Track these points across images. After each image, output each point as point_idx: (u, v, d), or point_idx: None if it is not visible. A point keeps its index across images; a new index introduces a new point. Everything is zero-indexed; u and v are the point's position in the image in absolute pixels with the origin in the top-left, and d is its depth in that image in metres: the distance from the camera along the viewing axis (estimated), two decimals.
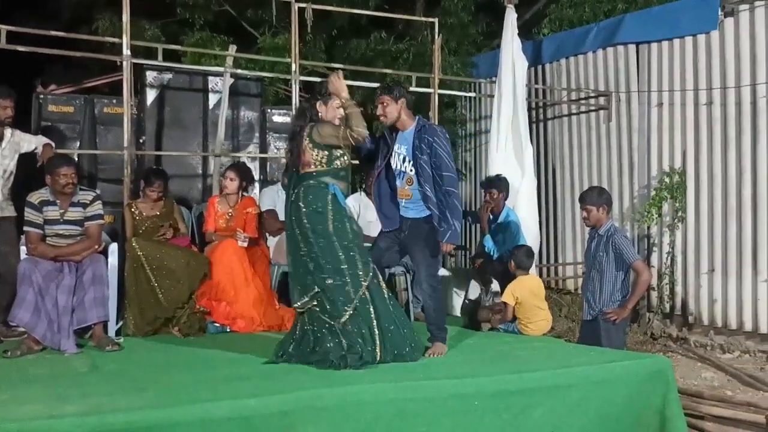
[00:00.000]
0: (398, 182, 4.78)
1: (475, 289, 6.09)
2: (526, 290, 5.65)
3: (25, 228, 5.00)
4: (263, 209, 6.34)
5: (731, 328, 7.77)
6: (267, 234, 6.37)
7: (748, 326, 7.62)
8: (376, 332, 4.30)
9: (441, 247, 4.64)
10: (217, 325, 5.59)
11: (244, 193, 6.18)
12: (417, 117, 4.78)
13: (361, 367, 4.15)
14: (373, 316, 4.32)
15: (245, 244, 5.78)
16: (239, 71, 7.80)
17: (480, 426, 3.86)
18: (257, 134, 7.86)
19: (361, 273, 4.34)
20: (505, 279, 5.99)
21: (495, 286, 6.11)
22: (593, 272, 5.33)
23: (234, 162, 6.53)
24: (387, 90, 4.73)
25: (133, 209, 5.93)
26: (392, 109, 4.68)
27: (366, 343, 4.26)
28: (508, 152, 7.52)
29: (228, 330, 5.59)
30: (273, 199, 6.47)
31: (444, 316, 4.89)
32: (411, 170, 4.69)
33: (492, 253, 6.43)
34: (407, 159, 4.70)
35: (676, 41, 8.38)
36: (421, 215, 4.70)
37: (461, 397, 3.88)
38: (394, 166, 4.76)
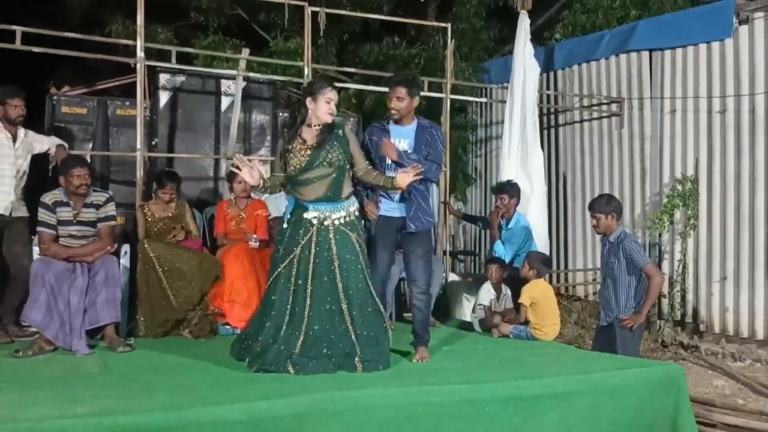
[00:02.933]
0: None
1: (486, 295, 6.07)
2: (541, 293, 5.66)
3: (38, 228, 5.02)
4: (269, 216, 6.32)
5: (743, 337, 7.71)
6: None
7: (760, 335, 7.56)
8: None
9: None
10: (228, 327, 5.59)
11: (253, 196, 6.20)
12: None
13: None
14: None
15: (256, 245, 5.80)
16: (251, 74, 7.81)
17: (491, 431, 3.85)
18: (269, 137, 7.86)
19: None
20: (515, 285, 5.98)
21: (507, 291, 6.09)
22: (608, 279, 5.34)
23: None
24: (406, 83, 4.73)
25: (145, 211, 5.94)
26: (406, 105, 4.70)
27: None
28: (519, 158, 7.51)
29: (239, 332, 5.58)
30: (276, 205, 6.44)
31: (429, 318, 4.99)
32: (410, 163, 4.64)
33: (503, 259, 6.40)
34: (407, 152, 4.71)
35: (690, 48, 8.33)
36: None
37: (472, 402, 3.87)
38: (388, 160, 4.69)
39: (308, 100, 4.41)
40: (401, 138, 4.74)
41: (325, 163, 4.37)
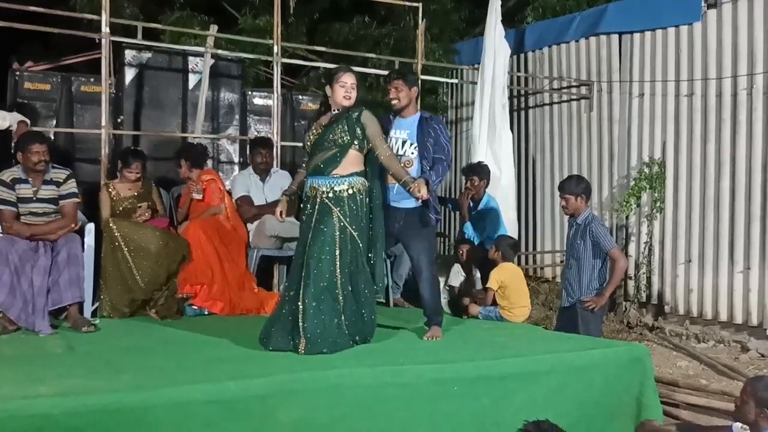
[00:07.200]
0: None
1: (456, 276, 6.08)
2: (509, 276, 5.67)
3: None
4: (237, 196, 6.27)
5: (706, 318, 7.83)
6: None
7: (723, 316, 7.68)
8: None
9: (420, 191, 4.42)
10: (195, 307, 5.54)
11: (196, 169, 6.17)
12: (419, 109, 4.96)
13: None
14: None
15: (200, 197, 5.91)
16: (220, 52, 7.68)
17: (460, 411, 3.87)
18: (237, 116, 7.78)
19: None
20: (485, 266, 5.99)
21: (476, 273, 6.11)
22: (571, 260, 5.38)
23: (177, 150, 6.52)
24: (402, 75, 4.93)
25: (110, 189, 5.84)
26: (405, 95, 4.84)
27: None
28: (489, 140, 7.52)
29: (206, 313, 5.54)
30: (246, 184, 6.37)
31: (440, 301, 5.03)
32: (412, 153, 4.79)
33: (472, 240, 6.42)
34: (408, 143, 4.82)
35: (659, 32, 8.38)
36: (413, 205, 4.68)
37: (441, 382, 3.89)
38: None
39: (327, 89, 4.48)
40: (401, 129, 4.85)
41: (328, 143, 4.40)
